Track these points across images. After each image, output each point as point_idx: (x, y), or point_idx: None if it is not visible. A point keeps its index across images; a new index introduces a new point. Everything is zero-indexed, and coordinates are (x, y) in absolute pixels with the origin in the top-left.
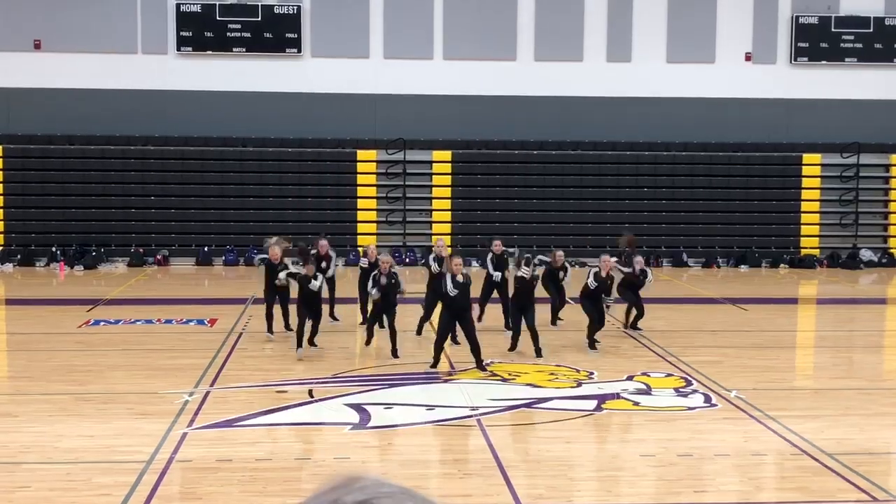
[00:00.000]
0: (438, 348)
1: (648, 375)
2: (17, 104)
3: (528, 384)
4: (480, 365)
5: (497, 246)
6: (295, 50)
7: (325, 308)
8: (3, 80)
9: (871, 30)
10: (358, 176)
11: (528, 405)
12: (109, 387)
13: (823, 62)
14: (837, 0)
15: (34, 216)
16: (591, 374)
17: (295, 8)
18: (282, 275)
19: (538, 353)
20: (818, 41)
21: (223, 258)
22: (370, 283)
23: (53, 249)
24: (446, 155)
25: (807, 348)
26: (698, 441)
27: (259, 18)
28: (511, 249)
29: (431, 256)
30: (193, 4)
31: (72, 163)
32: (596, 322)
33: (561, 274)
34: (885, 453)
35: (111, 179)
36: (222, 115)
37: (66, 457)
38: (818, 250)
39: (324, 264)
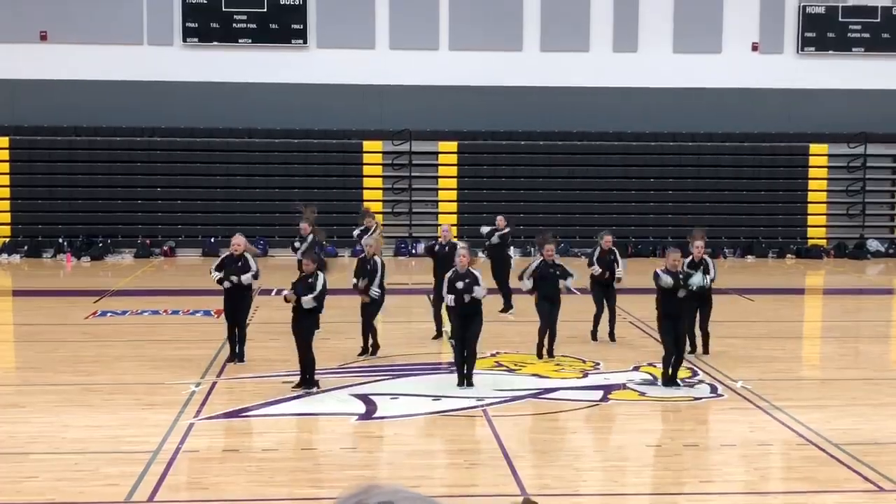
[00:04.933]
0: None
1: (655, 366)
2: (24, 95)
3: (534, 374)
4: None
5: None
6: (300, 41)
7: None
8: (10, 71)
9: (879, 19)
10: (364, 167)
11: (534, 395)
12: (116, 377)
13: (830, 52)
14: None
15: (41, 207)
16: (597, 364)
17: None
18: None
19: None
20: (825, 31)
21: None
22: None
23: (60, 240)
24: (452, 146)
25: (813, 338)
26: (704, 431)
27: (265, 9)
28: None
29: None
30: None
31: (78, 154)
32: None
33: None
34: (892, 443)
35: (118, 170)
36: (228, 106)
37: (74, 447)
38: (825, 240)
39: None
